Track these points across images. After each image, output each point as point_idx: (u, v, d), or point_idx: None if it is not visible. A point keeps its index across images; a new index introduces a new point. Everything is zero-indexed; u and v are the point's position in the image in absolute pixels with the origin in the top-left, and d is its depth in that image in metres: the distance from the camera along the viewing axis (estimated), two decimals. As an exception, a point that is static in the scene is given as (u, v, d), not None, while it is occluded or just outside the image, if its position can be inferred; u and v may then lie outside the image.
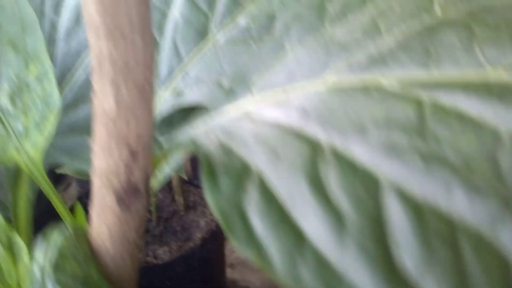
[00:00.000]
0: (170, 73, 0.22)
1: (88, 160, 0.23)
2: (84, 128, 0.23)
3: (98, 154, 0.15)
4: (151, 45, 0.14)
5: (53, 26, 0.25)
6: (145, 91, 0.15)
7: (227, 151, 0.15)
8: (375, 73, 0.15)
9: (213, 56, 0.22)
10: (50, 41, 0.25)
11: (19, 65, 0.19)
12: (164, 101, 0.22)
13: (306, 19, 0.17)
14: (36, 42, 0.19)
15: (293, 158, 0.14)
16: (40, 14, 0.25)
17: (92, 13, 0.13)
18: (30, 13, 0.19)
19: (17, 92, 0.19)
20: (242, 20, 0.23)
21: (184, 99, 0.21)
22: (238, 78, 0.16)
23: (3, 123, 0.18)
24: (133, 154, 0.15)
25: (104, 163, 0.15)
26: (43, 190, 0.20)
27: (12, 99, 0.19)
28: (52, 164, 0.23)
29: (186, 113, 0.23)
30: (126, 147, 0.15)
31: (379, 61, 0.16)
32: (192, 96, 0.21)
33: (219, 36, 0.23)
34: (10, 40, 0.19)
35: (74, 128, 0.23)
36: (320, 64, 0.16)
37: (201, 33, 0.23)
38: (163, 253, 0.44)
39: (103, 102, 0.14)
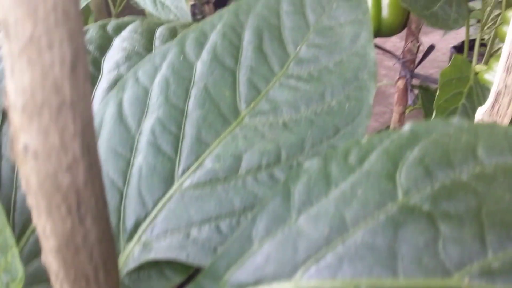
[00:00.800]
0: (137, 224, 0.22)
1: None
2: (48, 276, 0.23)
3: None
4: (117, 279, 0.14)
5: (12, 169, 0.24)
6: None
7: None
8: (343, 278, 0.16)
9: (180, 203, 0.22)
10: (11, 186, 0.24)
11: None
12: (131, 256, 0.21)
13: (272, 207, 0.17)
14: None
15: None
16: (-2, 156, 0.24)
17: (50, 260, 0.13)
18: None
19: (-24, 267, 0.18)
20: (207, 161, 0.23)
21: (153, 253, 0.21)
22: (209, 273, 0.16)
23: (-38, 301, 0.18)
24: None
25: None
26: None
27: (-29, 274, 0.18)
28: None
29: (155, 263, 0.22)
30: None
31: (346, 262, 0.16)
32: (160, 249, 0.21)
33: (185, 180, 0.22)
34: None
35: (37, 276, 0.23)
36: (289, 262, 0.16)
37: (167, 178, 0.22)
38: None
39: None
